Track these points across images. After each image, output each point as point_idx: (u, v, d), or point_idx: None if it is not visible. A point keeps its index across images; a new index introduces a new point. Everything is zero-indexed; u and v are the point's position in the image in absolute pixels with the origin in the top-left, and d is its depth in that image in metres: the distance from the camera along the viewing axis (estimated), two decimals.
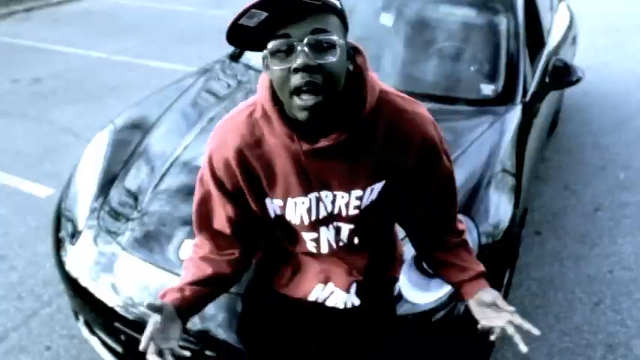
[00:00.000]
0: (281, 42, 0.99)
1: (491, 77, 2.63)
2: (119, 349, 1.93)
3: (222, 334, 1.70)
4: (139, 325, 1.78)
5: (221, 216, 1.27)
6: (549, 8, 3.78)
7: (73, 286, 1.97)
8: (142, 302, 1.80)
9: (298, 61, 0.97)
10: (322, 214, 1.22)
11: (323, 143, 1.09)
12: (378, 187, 1.19)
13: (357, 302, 1.35)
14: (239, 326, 1.67)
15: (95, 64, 6.04)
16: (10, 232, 3.13)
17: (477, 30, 2.83)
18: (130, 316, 1.80)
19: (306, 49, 0.97)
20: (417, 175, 1.20)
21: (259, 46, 1.03)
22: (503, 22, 2.76)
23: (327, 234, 1.27)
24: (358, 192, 1.18)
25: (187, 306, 1.24)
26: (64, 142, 4.21)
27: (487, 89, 2.59)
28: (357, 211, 1.21)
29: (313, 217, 1.22)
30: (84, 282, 1.93)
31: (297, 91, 1.00)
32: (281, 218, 1.25)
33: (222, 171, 1.20)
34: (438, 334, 1.75)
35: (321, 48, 0.99)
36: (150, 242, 1.95)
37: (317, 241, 1.28)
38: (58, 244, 2.12)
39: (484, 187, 2.05)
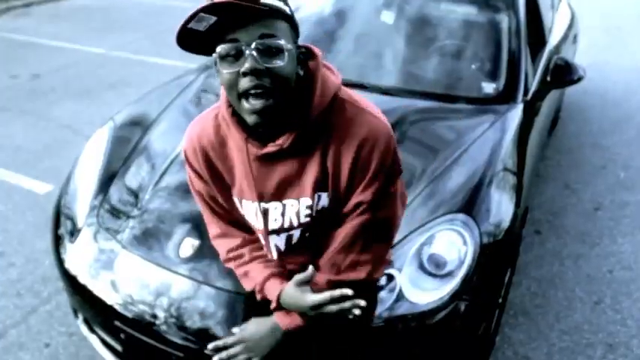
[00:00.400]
0: (230, 46, 1.00)
1: (493, 76, 2.62)
2: (118, 347, 1.92)
3: (222, 332, 1.69)
4: (139, 323, 1.78)
5: (221, 204, 1.31)
6: (550, 6, 3.77)
7: (72, 283, 1.96)
8: (141, 300, 1.80)
9: (246, 65, 0.99)
10: (272, 226, 1.24)
11: (270, 148, 1.12)
12: (323, 194, 1.18)
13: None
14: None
15: (94, 60, 6.03)
16: (9, 228, 3.12)
17: (478, 28, 2.82)
18: (129, 315, 1.79)
19: (254, 53, 0.99)
20: (352, 183, 1.16)
21: (209, 51, 1.05)
22: (504, 20, 2.75)
23: (276, 240, 1.28)
24: (307, 200, 1.18)
25: None
26: (63, 139, 4.20)
27: (488, 88, 2.58)
28: (308, 219, 1.21)
29: (260, 227, 1.25)
30: (83, 280, 1.92)
31: (246, 95, 1.02)
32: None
33: (197, 165, 1.26)
34: (438, 334, 1.74)
35: (269, 52, 1.00)
36: (150, 240, 1.94)
37: (267, 247, 1.31)
38: (57, 242, 2.11)
39: (486, 186, 2.04)
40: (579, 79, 2.80)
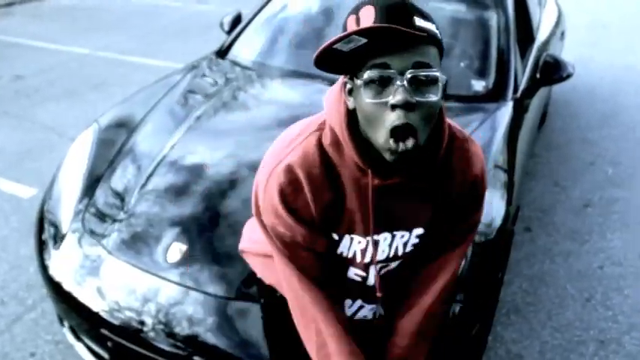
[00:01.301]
0: (379, 72, 0.90)
1: (482, 73, 2.61)
2: (106, 355, 1.88)
3: (211, 338, 1.66)
4: (126, 331, 1.74)
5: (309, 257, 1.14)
6: (538, 3, 3.77)
7: (56, 290, 1.92)
8: (128, 307, 1.76)
9: (398, 97, 0.88)
10: (379, 257, 1.16)
11: (395, 180, 1.03)
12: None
13: (382, 311, 1.31)
14: (267, 336, 1.60)
15: (79, 61, 5.94)
16: None
17: (466, 26, 2.80)
18: (116, 322, 1.75)
19: (406, 83, 0.88)
20: (458, 211, 1.16)
21: (346, 71, 0.96)
22: (493, 17, 2.74)
23: (374, 270, 1.21)
24: (419, 230, 1.13)
25: None
26: (47, 141, 4.13)
27: (478, 85, 2.56)
28: (412, 249, 1.16)
29: (367, 259, 1.16)
30: (68, 286, 1.87)
31: (394, 133, 0.90)
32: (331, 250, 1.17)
33: (300, 203, 1.08)
34: None
35: (421, 83, 0.90)
36: (136, 245, 1.90)
37: (364, 278, 1.22)
38: (41, 248, 2.06)
39: None
40: (568, 76, 2.79)
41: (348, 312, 1.31)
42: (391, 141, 0.91)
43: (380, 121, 0.91)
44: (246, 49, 2.99)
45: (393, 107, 0.89)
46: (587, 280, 2.79)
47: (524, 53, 2.92)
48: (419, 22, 0.90)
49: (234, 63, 2.91)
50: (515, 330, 2.46)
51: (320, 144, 1.05)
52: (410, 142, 0.90)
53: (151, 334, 1.70)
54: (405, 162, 0.97)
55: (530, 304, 2.62)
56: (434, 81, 0.91)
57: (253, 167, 2.13)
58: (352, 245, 1.14)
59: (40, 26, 7.25)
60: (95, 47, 6.34)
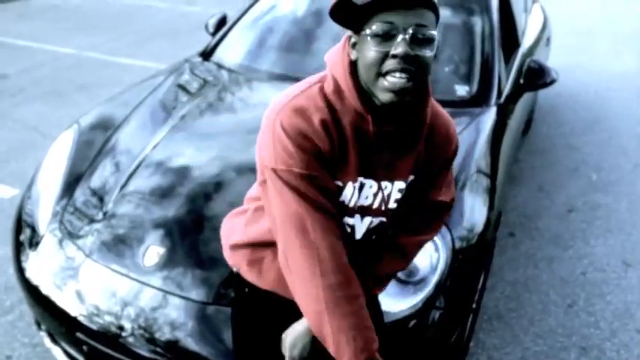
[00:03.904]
0: (386, 26, 1.03)
1: (466, 78, 2.61)
2: (82, 359, 1.85)
3: (189, 343, 1.63)
4: (104, 335, 1.71)
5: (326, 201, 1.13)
6: (523, 9, 3.79)
7: (33, 294, 1.88)
8: (106, 311, 1.73)
9: (399, 49, 1.02)
10: (362, 202, 1.20)
11: (389, 127, 1.13)
12: (410, 179, 1.24)
13: None
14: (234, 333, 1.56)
15: (64, 61, 5.89)
16: None
17: (451, 31, 2.80)
18: (93, 326, 1.72)
19: (407, 38, 1.02)
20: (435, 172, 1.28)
21: (354, 24, 1.07)
22: (478, 23, 2.75)
23: (356, 221, 1.23)
24: (401, 184, 1.22)
25: None
26: (30, 141, 4.08)
27: (462, 90, 2.57)
28: (395, 205, 1.23)
29: (354, 202, 1.19)
30: (45, 290, 1.85)
31: (388, 74, 1.04)
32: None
33: (325, 143, 1.10)
34: (411, 342, 1.71)
35: (420, 41, 1.04)
36: (114, 247, 1.87)
37: (353, 228, 1.24)
38: (19, 249, 2.03)
39: (459, 190, 2.02)
40: (552, 82, 2.80)
41: None
42: (383, 80, 1.05)
43: (378, 67, 1.05)
44: (230, 52, 2.97)
45: (394, 56, 1.03)
46: (570, 285, 2.80)
47: (508, 59, 2.94)
48: None
49: (219, 65, 2.89)
50: (497, 336, 2.46)
51: (323, 92, 1.14)
52: (401, 81, 1.03)
53: (130, 339, 1.67)
54: (400, 101, 1.07)
55: (513, 310, 2.62)
56: (430, 40, 1.05)
57: (237, 169, 2.13)
58: (347, 190, 1.17)
59: (26, 25, 7.18)
60: (81, 47, 6.29)
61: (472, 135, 2.31)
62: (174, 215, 1.93)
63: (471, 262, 1.92)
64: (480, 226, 1.97)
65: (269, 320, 1.35)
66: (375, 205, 1.21)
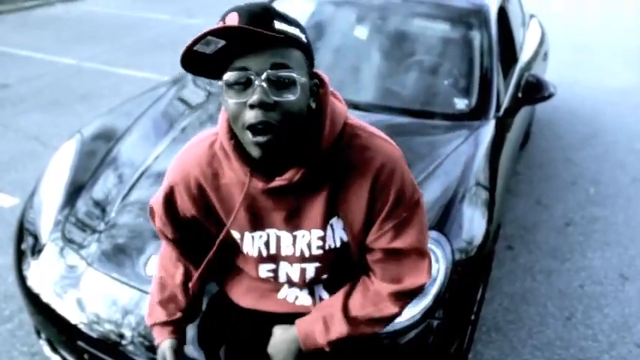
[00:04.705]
0: (238, 74, 0.94)
1: (465, 92, 2.64)
2: None
3: (191, 351, 1.64)
4: (104, 343, 1.72)
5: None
6: (521, 24, 3.84)
7: (34, 302, 1.89)
8: (107, 319, 1.74)
9: (254, 98, 0.92)
10: (284, 252, 1.19)
11: (277, 182, 1.05)
12: (337, 224, 1.14)
13: (325, 295, 1.29)
14: (201, 344, 1.60)
15: (65, 71, 5.92)
16: None
17: (450, 45, 2.84)
18: (94, 335, 1.73)
19: (264, 84, 0.93)
20: (370, 212, 1.12)
21: (215, 75, 0.98)
22: (476, 37, 2.78)
23: (287, 269, 1.22)
24: (318, 232, 1.14)
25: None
26: (30, 151, 4.10)
27: (461, 104, 2.60)
28: (320, 252, 1.16)
29: (273, 251, 1.19)
30: (46, 298, 1.85)
31: (250, 128, 0.95)
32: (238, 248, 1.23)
33: (187, 196, 1.17)
34: (410, 353, 1.72)
35: (280, 84, 0.94)
36: (116, 257, 1.89)
37: (275, 271, 1.24)
38: (20, 258, 2.04)
39: (458, 202, 2.04)
40: (550, 96, 2.84)
41: (289, 297, 1.31)
42: (248, 133, 0.96)
43: (240, 119, 0.96)
44: None
45: (251, 107, 0.93)
46: (568, 298, 2.81)
47: (507, 73, 2.97)
48: (279, 25, 0.94)
49: None
50: (495, 348, 2.47)
51: (211, 148, 1.13)
52: (263, 138, 0.95)
53: (130, 347, 1.68)
54: (270, 156, 0.99)
55: (511, 322, 2.63)
56: (291, 81, 0.94)
57: None
58: (255, 242, 1.19)
59: (27, 35, 7.22)
60: (82, 58, 6.33)
61: (471, 148, 2.34)
62: None
63: (470, 274, 1.93)
64: (479, 239, 1.99)
65: (250, 335, 1.38)
66: (297, 254, 1.18)
